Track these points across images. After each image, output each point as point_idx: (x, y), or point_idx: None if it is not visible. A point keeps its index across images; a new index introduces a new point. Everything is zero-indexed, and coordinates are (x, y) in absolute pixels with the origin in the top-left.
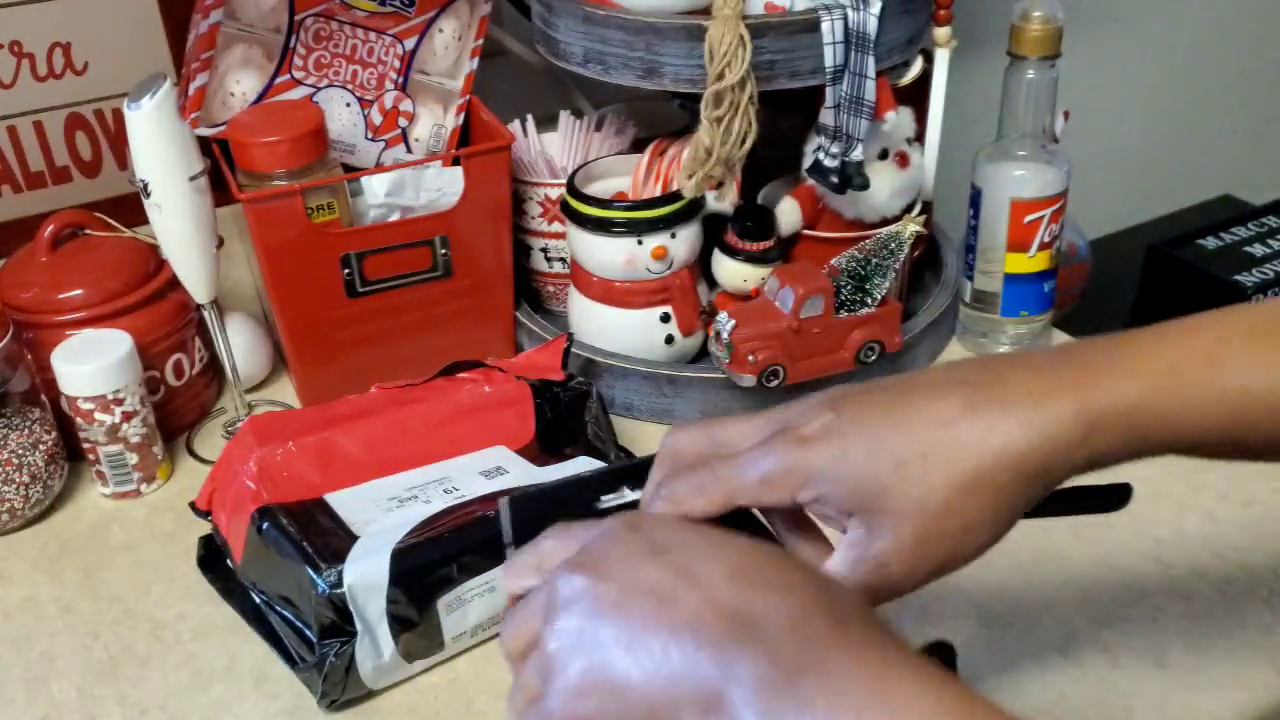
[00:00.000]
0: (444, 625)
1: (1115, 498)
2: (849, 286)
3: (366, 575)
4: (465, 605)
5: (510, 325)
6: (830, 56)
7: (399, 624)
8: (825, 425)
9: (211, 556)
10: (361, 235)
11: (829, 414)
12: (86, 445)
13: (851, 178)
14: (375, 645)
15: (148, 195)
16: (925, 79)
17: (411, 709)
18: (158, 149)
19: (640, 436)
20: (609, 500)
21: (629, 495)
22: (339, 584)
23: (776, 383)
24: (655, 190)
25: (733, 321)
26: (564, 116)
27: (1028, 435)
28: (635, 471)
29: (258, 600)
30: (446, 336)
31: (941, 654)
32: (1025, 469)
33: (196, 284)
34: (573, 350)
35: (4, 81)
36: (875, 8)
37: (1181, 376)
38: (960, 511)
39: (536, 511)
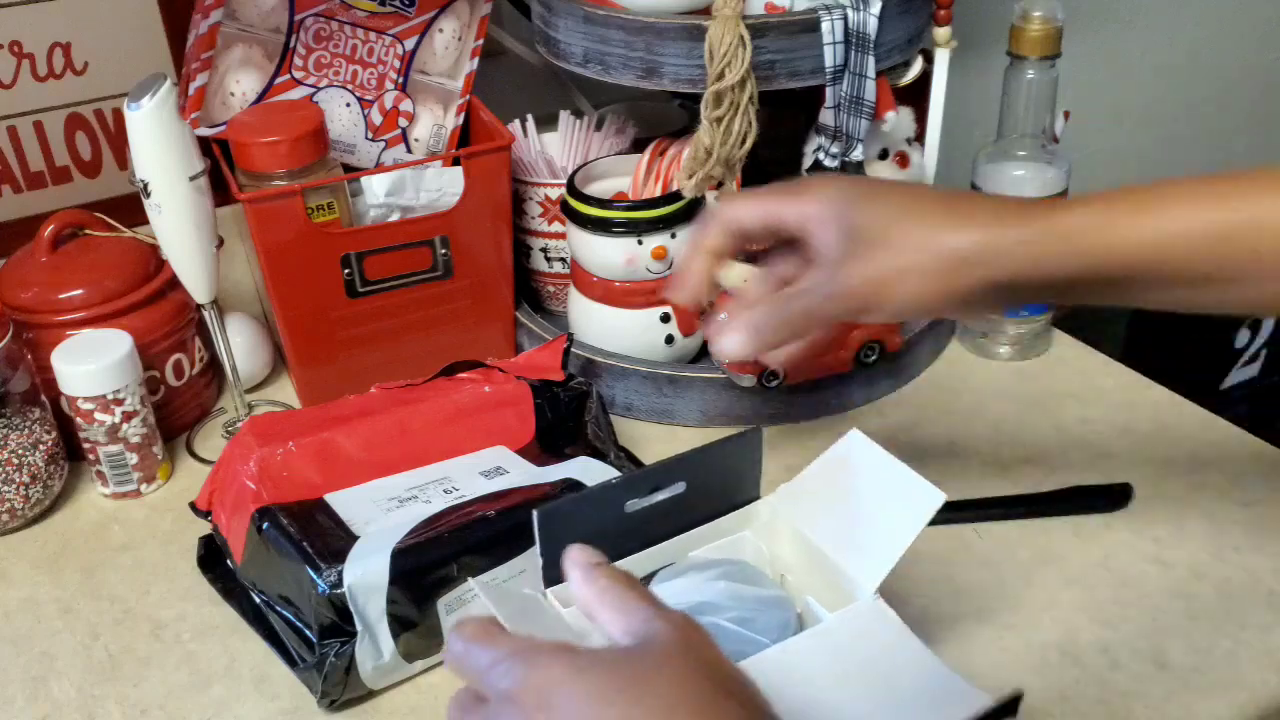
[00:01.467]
0: (444, 625)
1: (1115, 497)
2: None
3: (367, 575)
4: (465, 605)
5: (510, 325)
6: (830, 56)
7: (399, 624)
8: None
9: (211, 556)
10: (361, 235)
11: None
12: (86, 445)
13: None
14: (375, 645)
15: (148, 195)
16: (925, 79)
17: (412, 709)
18: (158, 149)
19: (640, 437)
20: (635, 505)
21: (656, 497)
22: (339, 584)
23: (776, 383)
24: (655, 190)
25: None
26: (564, 116)
27: (979, 232)
28: (660, 475)
29: (258, 600)
30: (446, 336)
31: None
32: (966, 256)
33: (196, 284)
34: (573, 350)
35: (4, 81)
36: (875, 8)
37: (1116, 216)
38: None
39: (565, 523)
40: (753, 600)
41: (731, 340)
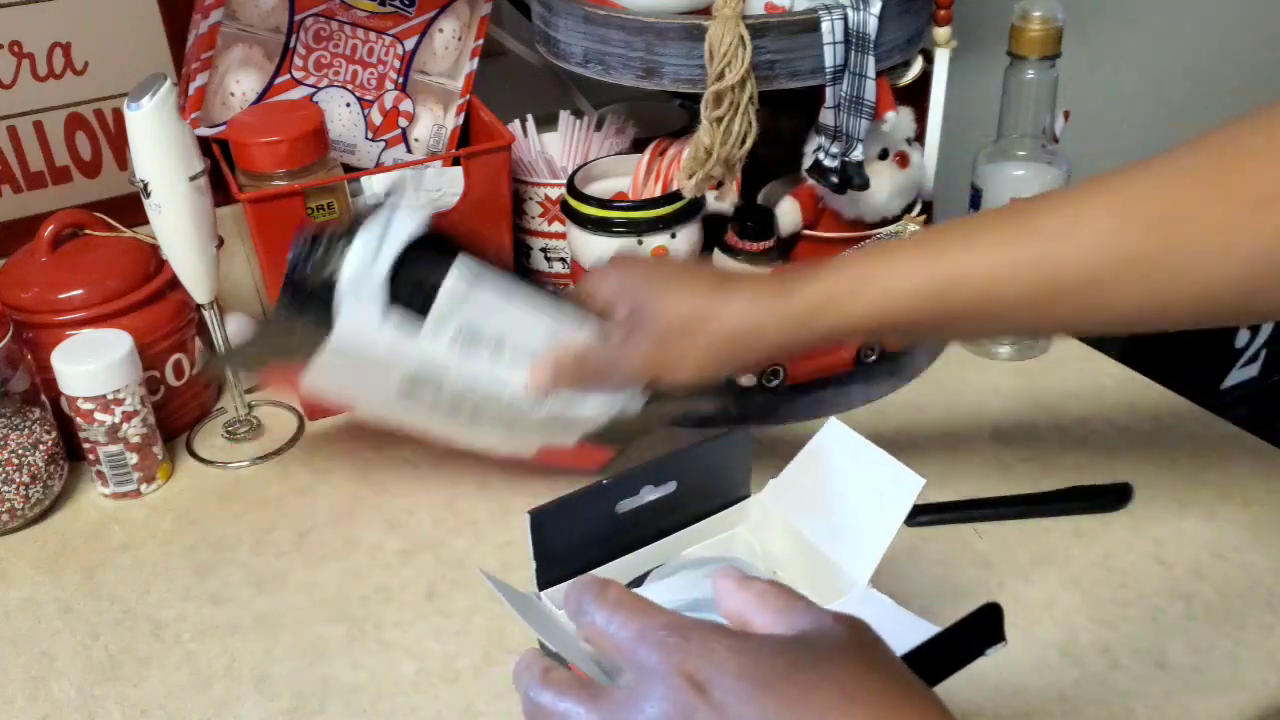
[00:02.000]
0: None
1: (1115, 497)
2: None
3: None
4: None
5: None
6: (830, 56)
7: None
8: None
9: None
10: None
11: None
12: (86, 445)
13: (851, 178)
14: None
15: (148, 195)
16: (925, 79)
17: (412, 709)
18: (158, 149)
19: None
20: (627, 505)
21: (648, 497)
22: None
23: (776, 382)
24: (655, 190)
25: None
26: (564, 116)
27: (740, 317)
28: (651, 474)
29: None
30: None
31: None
32: (730, 334)
33: (196, 284)
34: None
35: (4, 81)
36: (875, 8)
37: (840, 295)
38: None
39: (558, 523)
40: None
41: (536, 375)
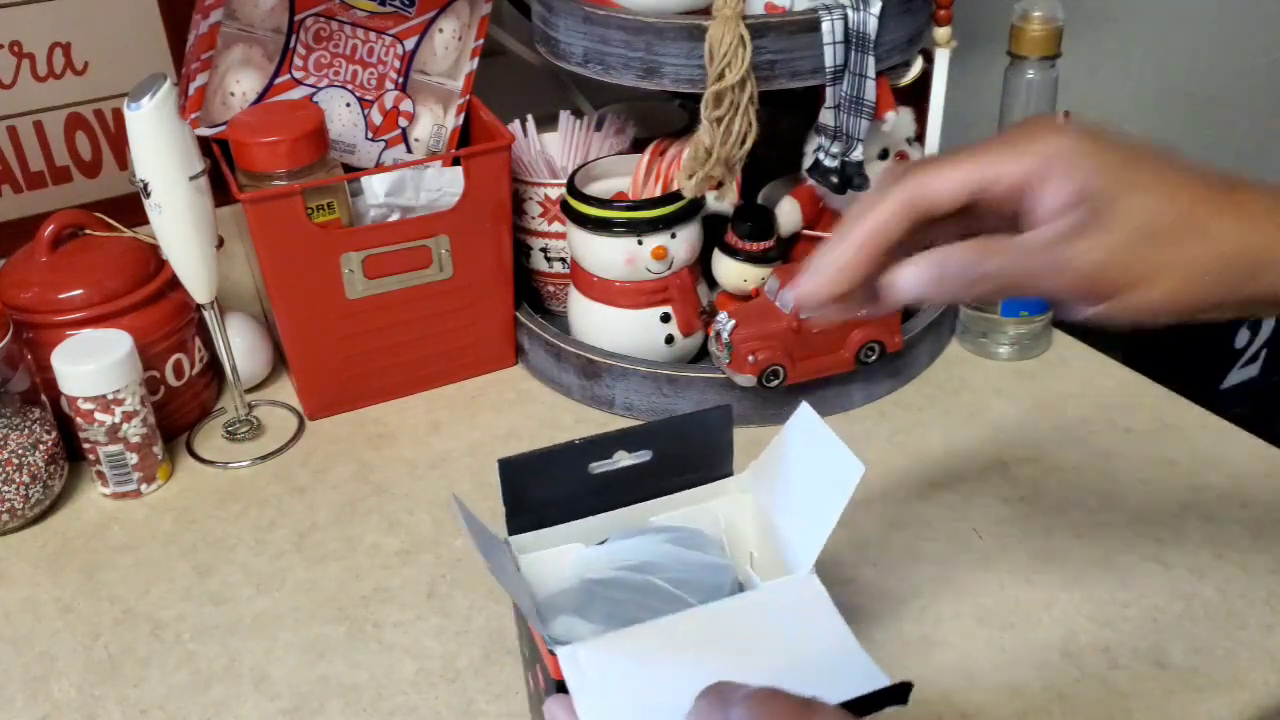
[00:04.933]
0: None
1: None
2: None
3: None
4: None
5: (510, 325)
6: (830, 56)
7: None
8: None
9: None
10: (361, 235)
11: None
12: (86, 445)
13: (851, 178)
14: None
15: (148, 195)
16: (925, 79)
17: (412, 709)
18: (158, 149)
19: None
20: (599, 467)
21: (622, 462)
22: None
23: (776, 383)
24: (655, 190)
25: (733, 321)
26: (564, 116)
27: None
28: (623, 440)
29: None
30: (447, 336)
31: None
32: (1256, 260)
33: (196, 284)
34: (573, 350)
35: (4, 81)
36: (875, 8)
37: None
38: (1174, 248)
39: (528, 474)
40: (694, 564)
41: (909, 274)
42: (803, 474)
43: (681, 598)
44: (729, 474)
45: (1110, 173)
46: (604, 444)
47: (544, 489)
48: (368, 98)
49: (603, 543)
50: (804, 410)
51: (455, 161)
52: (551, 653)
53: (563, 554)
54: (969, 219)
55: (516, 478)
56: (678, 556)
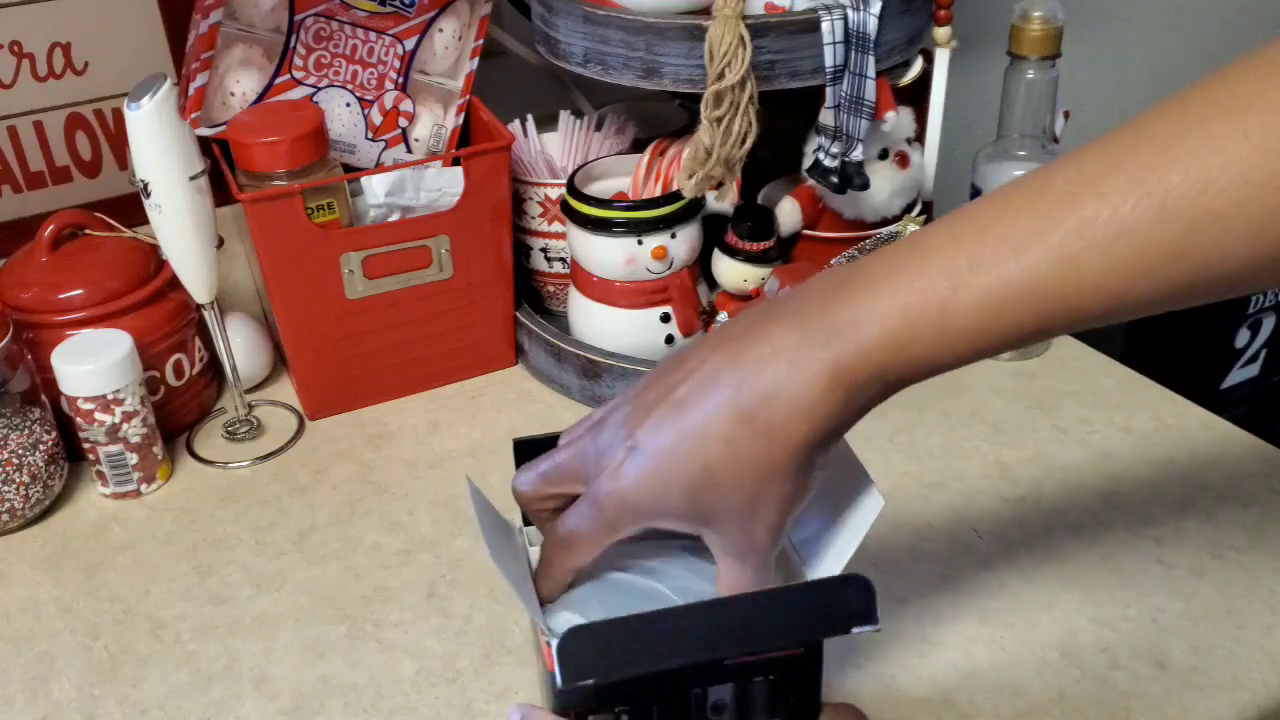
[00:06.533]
0: None
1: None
2: None
3: None
4: None
5: (510, 325)
6: (830, 56)
7: None
8: (628, 465)
9: None
10: (361, 235)
11: (626, 448)
12: (87, 445)
13: (851, 178)
14: None
15: (148, 195)
16: (925, 79)
17: (412, 709)
18: (158, 149)
19: None
20: None
21: None
22: None
23: None
24: (655, 190)
25: None
26: (564, 116)
27: (802, 427)
28: None
29: None
30: (447, 336)
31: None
32: (809, 444)
33: (196, 284)
34: (573, 350)
35: (4, 81)
36: (875, 8)
37: (914, 342)
38: (769, 498)
39: (540, 452)
40: (705, 575)
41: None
42: (822, 502)
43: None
44: None
45: (680, 507)
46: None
47: None
48: (368, 98)
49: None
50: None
51: (455, 161)
52: (548, 643)
53: None
54: None
55: (527, 458)
56: (687, 565)
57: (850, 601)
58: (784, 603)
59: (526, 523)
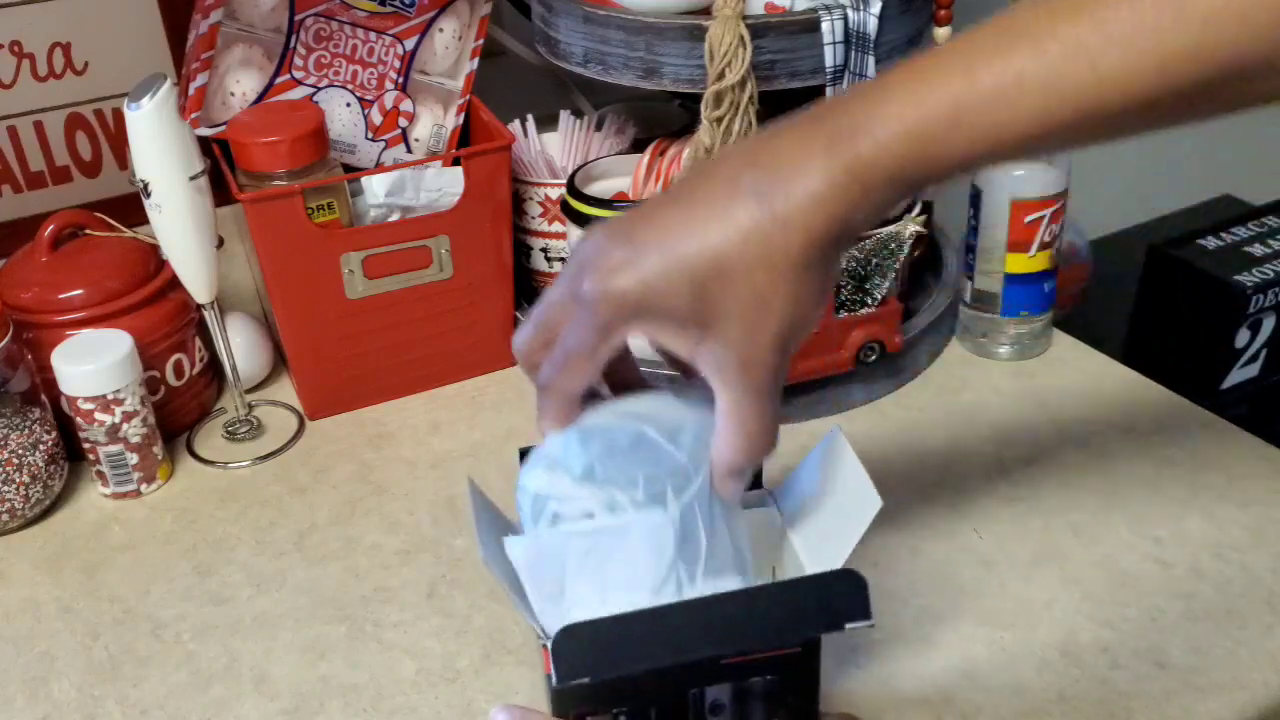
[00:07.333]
0: None
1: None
2: (849, 286)
3: None
4: None
5: (510, 325)
6: (830, 56)
7: None
8: (625, 261)
9: None
10: (361, 235)
11: (625, 249)
12: (87, 445)
13: None
14: None
15: (148, 195)
16: None
17: (412, 709)
18: (158, 149)
19: None
20: None
21: None
22: None
23: None
24: (655, 190)
25: None
26: (564, 116)
27: (819, 218)
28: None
29: None
30: (446, 336)
31: None
32: (825, 239)
33: (196, 284)
34: None
35: (4, 81)
36: (875, 8)
37: (929, 138)
38: (778, 299)
39: None
40: (695, 408)
41: (730, 491)
42: (823, 500)
43: (671, 453)
44: (759, 486)
45: (681, 304)
46: None
47: None
48: (368, 98)
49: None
50: (835, 435)
51: (455, 161)
52: (544, 646)
53: None
54: None
55: None
56: (675, 404)
57: (844, 597)
58: (777, 599)
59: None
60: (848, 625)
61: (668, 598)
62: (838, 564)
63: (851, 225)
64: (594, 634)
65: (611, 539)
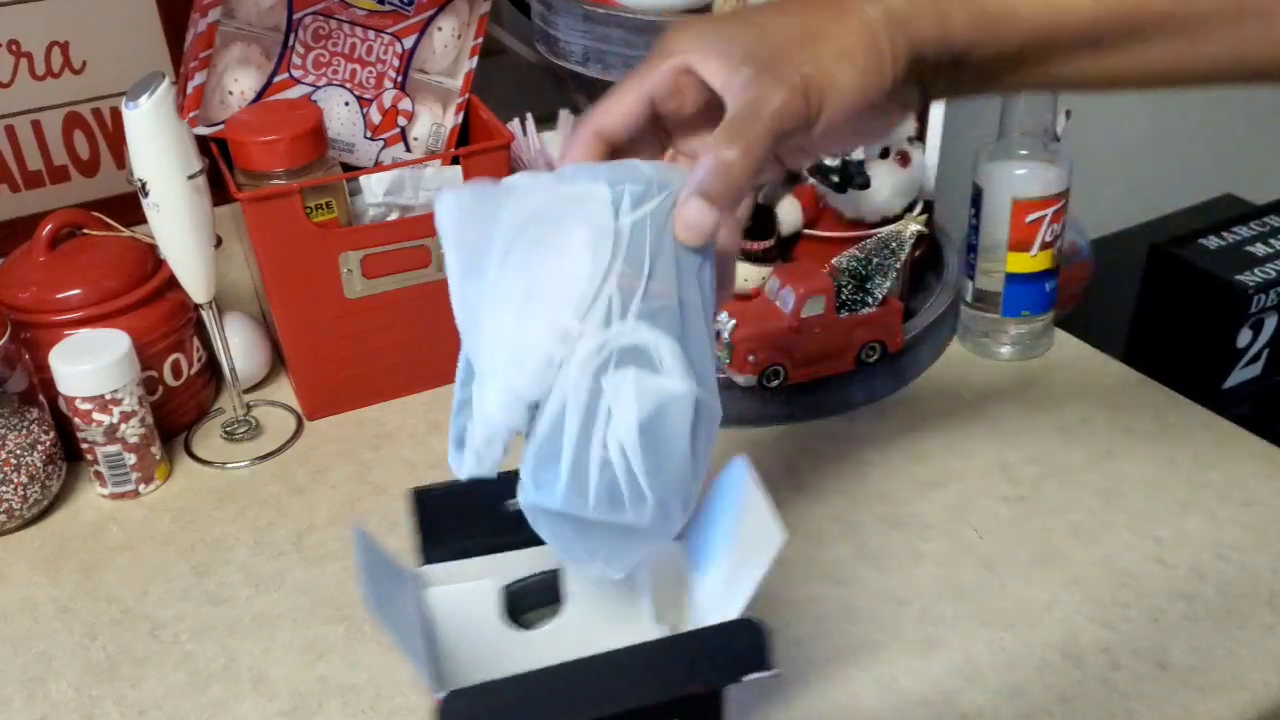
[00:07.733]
0: None
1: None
2: (850, 286)
3: None
4: None
5: None
6: None
7: None
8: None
9: None
10: (360, 234)
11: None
12: (85, 445)
13: (852, 177)
14: None
15: (146, 194)
16: None
17: (411, 709)
18: (156, 148)
19: None
20: (513, 504)
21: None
22: None
23: (777, 383)
24: None
25: (733, 321)
26: (564, 116)
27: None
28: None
29: None
30: (446, 336)
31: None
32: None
33: (195, 283)
34: None
35: (2, 81)
36: None
37: None
38: (829, 40)
39: (442, 506)
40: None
41: (690, 214)
42: (726, 538)
43: (637, 166)
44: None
45: (745, 33)
46: (515, 481)
47: (458, 519)
48: (366, 96)
49: (520, 584)
50: (738, 464)
51: (454, 160)
52: (438, 699)
53: (476, 589)
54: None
55: (427, 507)
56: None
57: (744, 647)
58: (675, 653)
59: (424, 562)
60: (746, 677)
61: (593, 325)
62: (738, 610)
63: (924, 54)
64: (487, 697)
65: (550, 223)
